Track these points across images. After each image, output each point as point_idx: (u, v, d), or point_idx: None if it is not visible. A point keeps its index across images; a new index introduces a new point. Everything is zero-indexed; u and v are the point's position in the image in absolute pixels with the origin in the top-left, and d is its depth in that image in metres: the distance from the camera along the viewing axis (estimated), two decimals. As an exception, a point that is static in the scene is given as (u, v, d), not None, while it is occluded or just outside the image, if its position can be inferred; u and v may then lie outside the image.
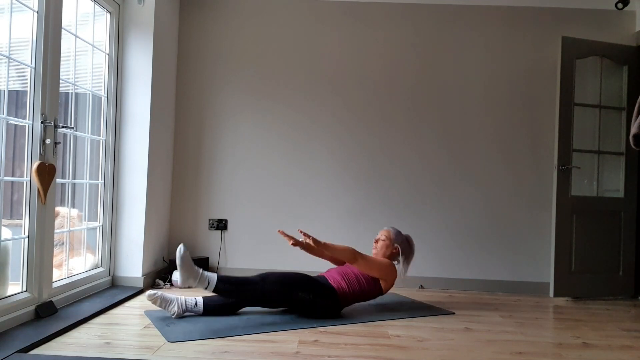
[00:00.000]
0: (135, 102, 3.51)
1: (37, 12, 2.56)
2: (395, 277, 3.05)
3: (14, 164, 4.38)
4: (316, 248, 2.96)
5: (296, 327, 2.66)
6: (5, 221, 3.90)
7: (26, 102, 2.56)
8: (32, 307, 2.55)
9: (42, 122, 2.56)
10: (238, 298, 2.77)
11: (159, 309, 2.85)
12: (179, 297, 2.80)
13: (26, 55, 2.56)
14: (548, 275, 3.89)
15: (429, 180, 3.99)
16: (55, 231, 2.78)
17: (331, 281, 2.93)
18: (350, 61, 4.03)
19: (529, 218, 3.95)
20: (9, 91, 3.81)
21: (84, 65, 3.24)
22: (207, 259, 3.91)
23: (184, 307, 2.76)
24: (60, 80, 2.75)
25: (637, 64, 3.84)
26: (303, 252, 3.97)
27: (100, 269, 3.37)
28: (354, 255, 2.92)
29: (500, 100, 3.98)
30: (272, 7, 4.06)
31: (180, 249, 2.64)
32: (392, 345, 2.42)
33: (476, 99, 3.99)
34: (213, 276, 2.68)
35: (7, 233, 2.59)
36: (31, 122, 2.56)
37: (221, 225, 4.03)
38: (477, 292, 3.87)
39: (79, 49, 3.11)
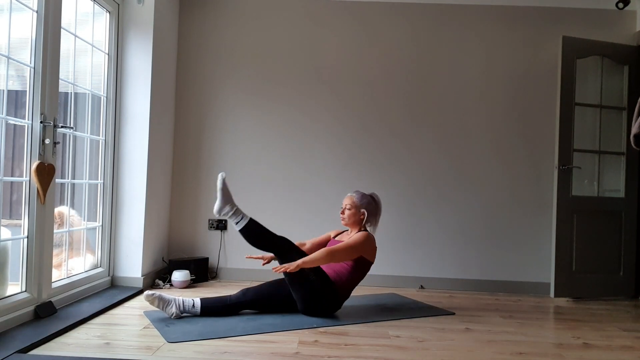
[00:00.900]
0: (134, 102, 3.50)
1: (37, 12, 2.56)
2: (374, 244, 2.99)
3: (13, 163, 4.38)
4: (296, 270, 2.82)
5: (296, 327, 2.66)
6: (4, 221, 3.89)
7: (25, 102, 2.55)
8: (32, 308, 2.54)
9: (41, 122, 2.56)
10: (263, 243, 2.84)
11: (158, 309, 2.85)
12: (177, 297, 2.79)
13: (26, 55, 2.56)
14: (548, 275, 3.88)
15: (429, 179, 3.98)
16: (55, 231, 2.78)
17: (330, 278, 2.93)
18: (350, 60, 4.02)
19: (529, 218, 3.94)
20: (9, 91, 3.80)
21: (84, 65, 3.23)
22: (207, 259, 3.91)
23: (181, 308, 2.75)
24: (60, 80, 2.74)
25: (638, 64, 3.84)
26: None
27: (100, 269, 3.36)
28: (331, 255, 2.82)
29: (500, 100, 3.98)
30: (271, 6, 4.06)
31: (222, 174, 2.80)
32: (392, 345, 2.42)
33: (476, 98, 3.99)
34: (246, 216, 2.81)
35: (6, 233, 2.58)
36: (30, 122, 2.55)
37: (221, 225, 4.02)
38: (477, 292, 3.87)
39: (79, 49, 3.11)
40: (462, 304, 3.39)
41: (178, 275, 3.60)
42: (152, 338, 2.40)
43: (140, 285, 3.44)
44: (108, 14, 3.42)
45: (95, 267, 3.37)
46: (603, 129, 3.84)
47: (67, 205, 3.14)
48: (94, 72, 3.33)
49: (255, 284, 3.79)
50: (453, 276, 3.95)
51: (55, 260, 3.00)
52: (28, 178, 2.54)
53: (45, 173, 2.59)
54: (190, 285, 3.67)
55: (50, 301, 2.69)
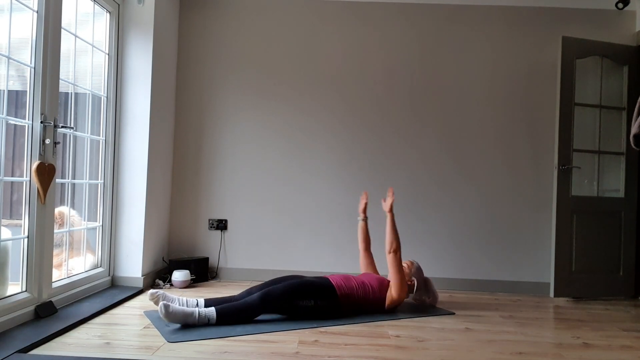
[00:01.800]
0: (135, 102, 3.51)
1: (37, 12, 2.56)
2: (403, 298, 3.05)
3: (13, 163, 4.38)
4: (389, 214, 3.11)
5: (296, 327, 2.66)
6: (5, 221, 3.90)
7: (26, 102, 2.56)
8: (32, 307, 2.55)
9: (41, 122, 2.56)
10: (242, 323, 2.71)
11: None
12: (180, 297, 2.80)
13: (26, 55, 2.56)
14: (548, 275, 3.89)
15: (429, 179, 3.99)
16: (55, 231, 2.78)
17: (332, 281, 2.94)
18: (351, 61, 4.03)
19: (529, 218, 3.94)
20: (9, 91, 3.80)
21: (84, 65, 3.23)
22: (207, 259, 3.91)
23: (185, 307, 2.75)
24: (60, 80, 2.75)
25: (638, 64, 3.84)
26: (304, 252, 3.98)
27: (100, 269, 3.36)
28: (398, 247, 3.03)
29: (500, 100, 3.98)
30: (272, 6, 4.06)
31: (161, 309, 2.51)
32: (392, 345, 2.42)
33: (476, 98, 3.99)
34: (212, 313, 2.63)
35: (6, 233, 2.58)
36: (31, 122, 2.55)
37: (221, 225, 4.02)
38: (477, 292, 3.87)
39: (79, 49, 3.11)
40: (462, 304, 3.40)
41: (178, 275, 3.60)
42: (152, 338, 2.40)
43: (140, 285, 3.44)
44: (108, 14, 3.42)
45: (96, 267, 3.37)
46: (603, 129, 3.85)
47: (67, 205, 3.14)
48: (94, 72, 3.33)
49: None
50: (453, 276, 3.95)
51: (55, 260, 3.01)
52: (28, 178, 2.55)
53: (46, 173, 2.59)
54: (190, 285, 3.68)
55: (51, 301, 2.69)
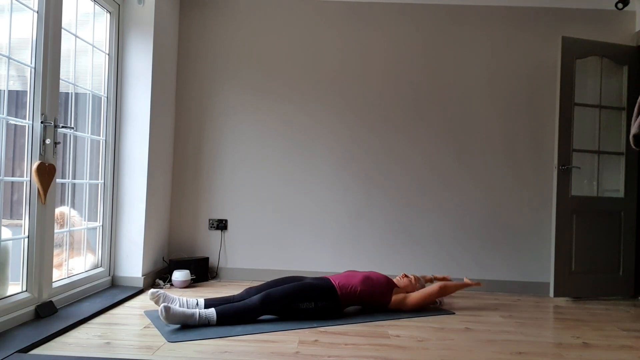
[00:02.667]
0: (135, 102, 3.51)
1: (37, 12, 2.56)
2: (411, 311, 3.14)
3: (14, 163, 4.38)
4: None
5: (296, 327, 2.67)
6: (5, 221, 3.90)
7: (26, 102, 2.56)
8: (32, 307, 2.55)
9: (42, 122, 2.56)
10: (242, 324, 2.71)
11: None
12: (181, 297, 2.80)
13: (26, 55, 2.56)
14: (548, 275, 3.90)
15: (429, 179, 3.99)
16: (55, 231, 2.78)
17: (333, 282, 2.94)
18: (352, 61, 4.03)
19: (529, 218, 3.95)
20: (9, 91, 3.81)
21: (84, 65, 3.23)
22: (207, 259, 3.91)
23: (185, 307, 2.75)
24: (60, 80, 2.75)
25: (637, 64, 3.84)
26: (304, 252, 3.98)
27: (100, 269, 3.37)
28: (442, 295, 3.18)
29: (501, 100, 3.98)
30: (272, 6, 4.06)
31: (162, 311, 2.51)
32: (392, 345, 2.42)
33: (476, 98, 3.99)
34: (212, 315, 2.64)
35: (7, 233, 2.59)
36: (31, 122, 2.56)
37: (221, 225, 4.02)
38: (477, 292, 3.87)
39: (79, 49, 3.11)
40: (462, 304, 3.40)
41: (178, 275, 3.61)
42: (152, 338, 2.40)
43: (140, 285, 3.44)
44: (108, 14, 3.42)
45: (96, 266, 3.37)
46: (602, 129, 3.85)
47: (67, 205, 3.14)
48: (95, 73, 3.33)
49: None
50: (453, 275, 3.95)
51: (55, 260, 3.01)
52: (29, 178, 2.55)
53: (46, 173, 2.59)
54: (190, 285, 3.68)
55: (51, 301, 2.69)
